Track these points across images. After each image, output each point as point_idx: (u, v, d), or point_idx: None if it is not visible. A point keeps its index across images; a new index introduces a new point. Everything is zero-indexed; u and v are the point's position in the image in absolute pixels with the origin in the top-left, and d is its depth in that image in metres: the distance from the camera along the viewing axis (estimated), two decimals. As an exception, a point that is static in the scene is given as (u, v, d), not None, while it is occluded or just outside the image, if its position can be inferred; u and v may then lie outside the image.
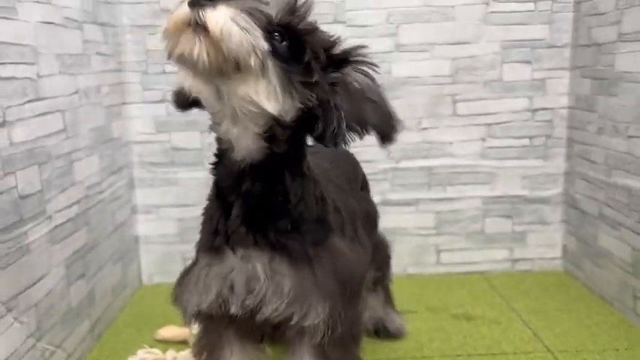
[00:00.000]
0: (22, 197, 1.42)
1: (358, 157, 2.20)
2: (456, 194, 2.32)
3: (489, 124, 2.26)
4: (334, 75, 1.03)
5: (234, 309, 1.08)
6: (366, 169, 2.24)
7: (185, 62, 0.92)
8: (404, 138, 2.24)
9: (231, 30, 0.88)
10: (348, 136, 1.03)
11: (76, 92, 1.75)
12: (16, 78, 1.41)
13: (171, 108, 2.19)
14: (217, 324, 1.19)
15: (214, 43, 0.88)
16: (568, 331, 1.84)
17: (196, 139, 2.21)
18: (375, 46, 2.16)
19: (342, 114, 1.02)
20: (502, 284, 2.24)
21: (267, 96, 0.95)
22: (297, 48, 0.98)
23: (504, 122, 2.26)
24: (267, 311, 1.06)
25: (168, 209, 2.27)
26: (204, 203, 1.18)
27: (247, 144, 1.02)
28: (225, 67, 0.91)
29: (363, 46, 1.06)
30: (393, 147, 2.23)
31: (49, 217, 1.56)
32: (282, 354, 1.33)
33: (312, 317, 1.06)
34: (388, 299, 1.87)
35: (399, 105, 2.18)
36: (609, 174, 1.97)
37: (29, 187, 1.46)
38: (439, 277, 2.33)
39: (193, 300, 1.12)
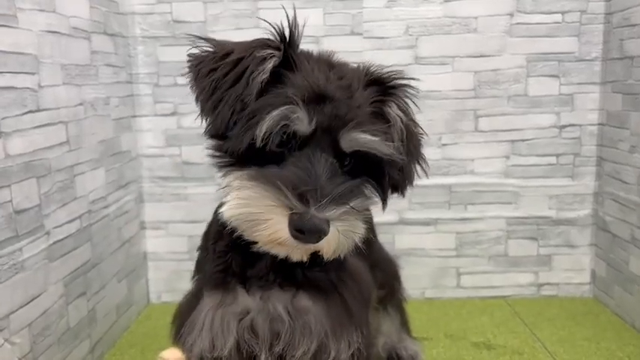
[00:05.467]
0: (18, 212, 1.36)
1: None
2: (477, 214, 2.20)
3: (513, 141, 2.15)
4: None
5: (263, 357, 1.04)
6: (383, 186, 2.15)
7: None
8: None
9: (342, 246, 0.90)
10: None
11: (81, 104, 1.69)
12: (15, 88, 1.36)
13: (182, 121, 2.16)
14: None
15: (323, 253, 0.91)
16: (597, 364, 1.72)
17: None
18: (393, 59, 2.09)
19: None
20: (526, 310, 2.11)
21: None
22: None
23: (530, 139, 2.15)
24: (298, 354, 1.02)
25: (178, 225, 2.21)
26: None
27: None
28: None
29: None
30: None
31: (48, 233, 1.49)
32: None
33: (344, 351, 1.03)
34: (404, 323, 1.76)
35: (418, 120, 2.13)
36: (643, 195, 1.85)
37: (26, 201, 1.40)
38: (459, 302, 2.22)
39: (204, 346, 1.05)
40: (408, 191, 1.06)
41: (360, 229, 0.92)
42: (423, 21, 2.08)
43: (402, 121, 0.96)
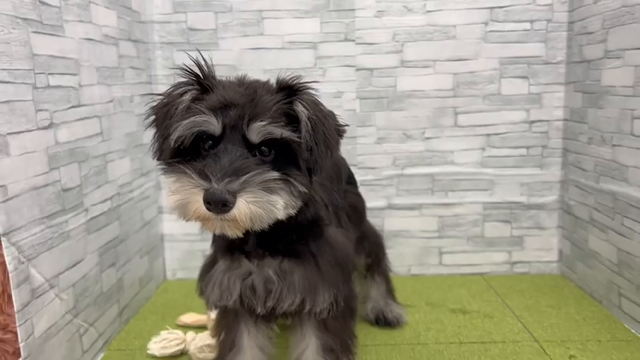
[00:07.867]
0: (65, 190, 1.63)
1: (365, 165, 2.42)
2: (457, 200, 2.48)
3: (489, 135, 2.43)
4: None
5: (259, 309, 1.33)
6: (373, 175, 2.45)
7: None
8: (409, 147, 2.43)
9: (260, 216, 1.10)
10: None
11: (111, 101, 1.97)
12: (62, 86, 1.64)
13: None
14: (234, 311, 1.43)
15: (241, 223, 1.11)
16: (556, 324, 1.98)
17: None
18: (382, 62, 2.37)
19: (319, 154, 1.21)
20: (500, 285, 2.39)
21: (281, 213, 1.15)
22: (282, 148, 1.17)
23: (503, 133, 2.43)
24: (285, 306, 1.31)
25: (190, 210, 2.47)
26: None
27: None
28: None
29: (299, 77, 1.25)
30: (399, 155, 2.43)
31: (86, 210, 1.77)
32: (286, 328, 1.54)
33: (320, 303, 1.31)
34: (389, 290, 2.03)
35: (403, 116, 2.41)
36: (598, 180, 2.12)
37: (70, 181, 1.67)
38: (441, 278, 2.49)
39: (215, 297, 1.36)
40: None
41: (276, 202, 1.11)
42: (408, 29, 2.36)
43: (306, 116, 1.17)
